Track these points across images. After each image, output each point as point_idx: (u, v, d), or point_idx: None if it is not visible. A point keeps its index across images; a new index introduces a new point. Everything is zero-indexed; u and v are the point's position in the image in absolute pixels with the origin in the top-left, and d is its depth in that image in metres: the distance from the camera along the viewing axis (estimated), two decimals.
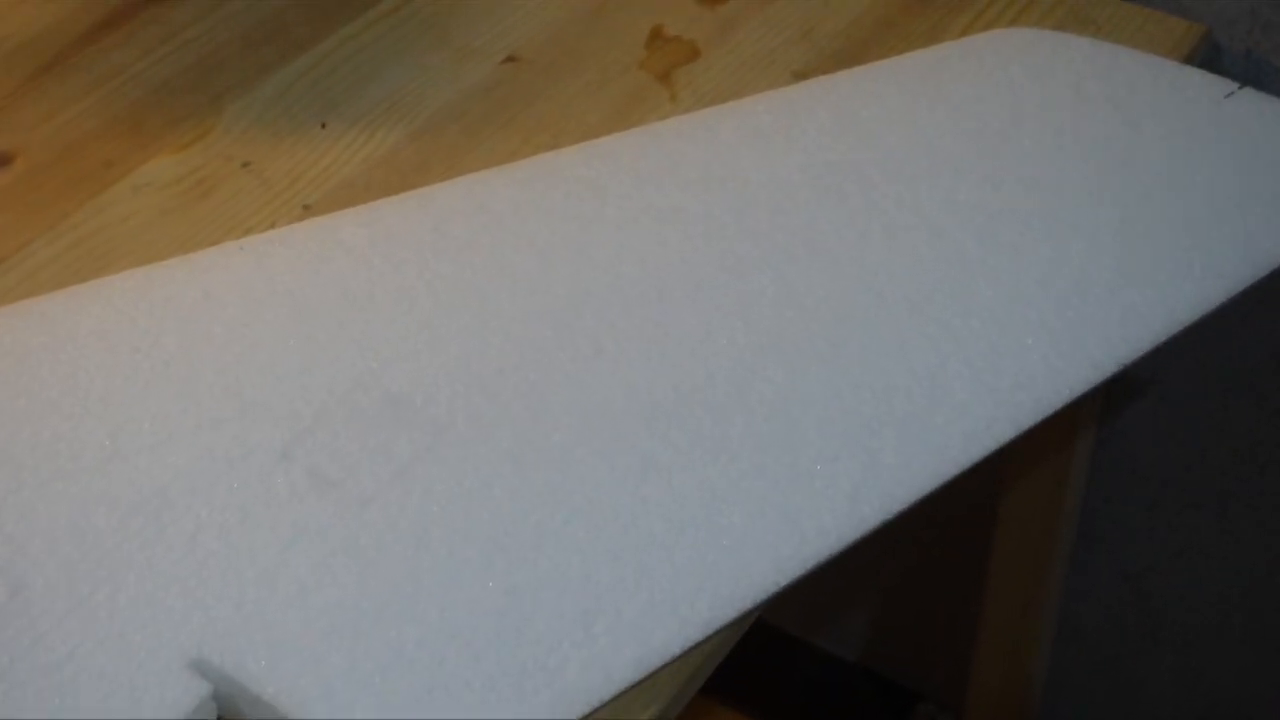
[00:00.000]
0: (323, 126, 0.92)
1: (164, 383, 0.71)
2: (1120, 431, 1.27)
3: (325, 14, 1.00)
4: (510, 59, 0.97)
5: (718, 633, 0.64)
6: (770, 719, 1.62)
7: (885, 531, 0.68)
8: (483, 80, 0.96)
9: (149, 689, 0.59)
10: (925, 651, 1.60)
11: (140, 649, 0.60)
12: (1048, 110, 0.89)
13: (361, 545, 0.64)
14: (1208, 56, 1.01)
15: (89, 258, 0.84)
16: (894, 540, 0.68)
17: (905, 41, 0.97)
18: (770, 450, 0.69)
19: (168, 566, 0.63)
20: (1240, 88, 0.90)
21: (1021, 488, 1.27)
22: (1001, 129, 0.88)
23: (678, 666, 0.64)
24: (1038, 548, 1.29)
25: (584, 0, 1.01)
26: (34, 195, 0.88)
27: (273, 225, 0.85)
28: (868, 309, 0.76)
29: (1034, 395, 0.74)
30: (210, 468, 0.67)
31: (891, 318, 0.76)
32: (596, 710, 0.61)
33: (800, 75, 0.95)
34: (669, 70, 0.96)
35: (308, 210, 0.86)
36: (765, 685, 1.59)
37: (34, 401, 0.70)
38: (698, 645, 0.64)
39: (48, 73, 0.96)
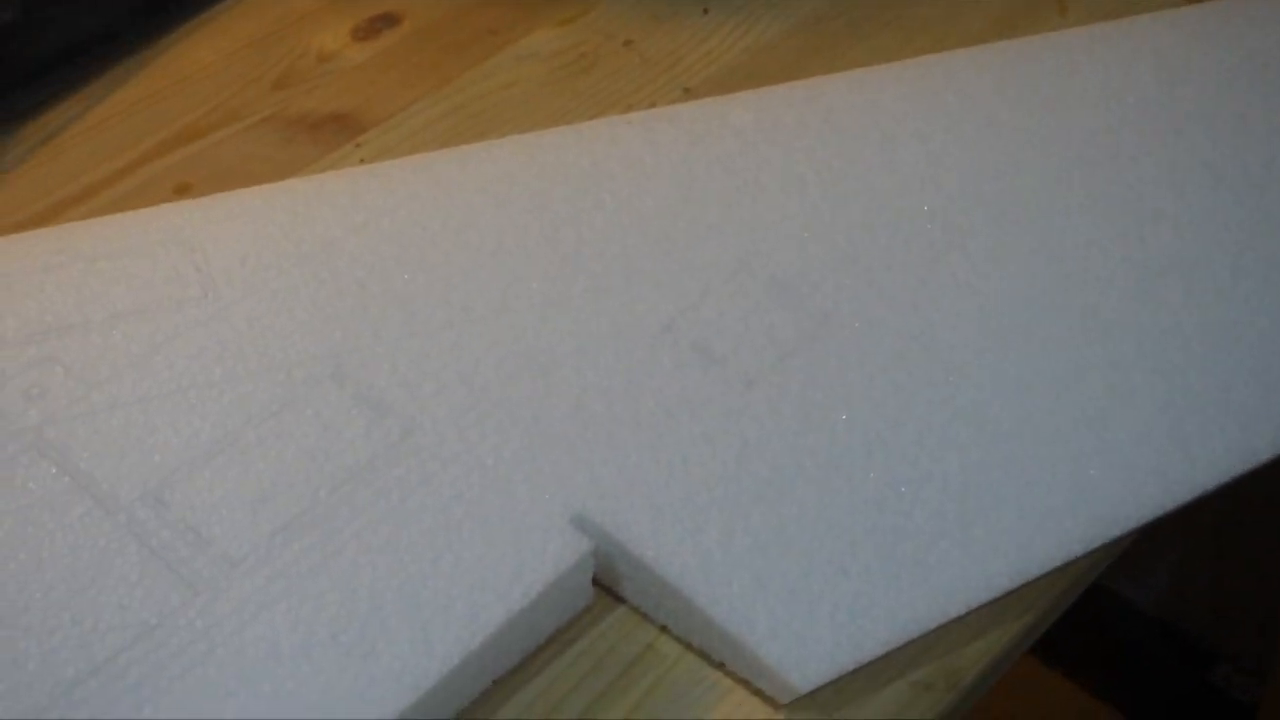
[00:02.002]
0: (704, 12, 0.92)
1: (553, 246, 0.71)
2: None
3: None
4: None
5: (1097, 550, 0.63)
6: (1055, 661, 1.59)
7: None
8: None
9: (531, 539, 0.60)
10: (1228, 612, 1.56)
11: (524, 500, 0.61)
12: None
13: (745, 424, 0.64)
14: None
15: (471, 121, 0.85)
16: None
17: None
18: (1164, 371, 0.67)
19: (553, 424, 0.64)
20: None
21: None
22: None
23: (1054, 579, 0.62)
24: None
25: None
26: (419, 57, 0.90)
27: (652, 104, 0.85)
28: (1265, 233, 0.73)
29: None
30: (596, 332, 0.67)
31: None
32: (972, 612, 0.60)
33: None
34: None
35: (687, 93, 0.86)
36: (1053, 626, 1.56)
37: (427, 252, 0.71)
38: (1076, 561, 0.62)
39: None
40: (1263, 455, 0.65)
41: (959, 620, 0.60)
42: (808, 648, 0.58)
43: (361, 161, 0.81)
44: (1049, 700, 1.58)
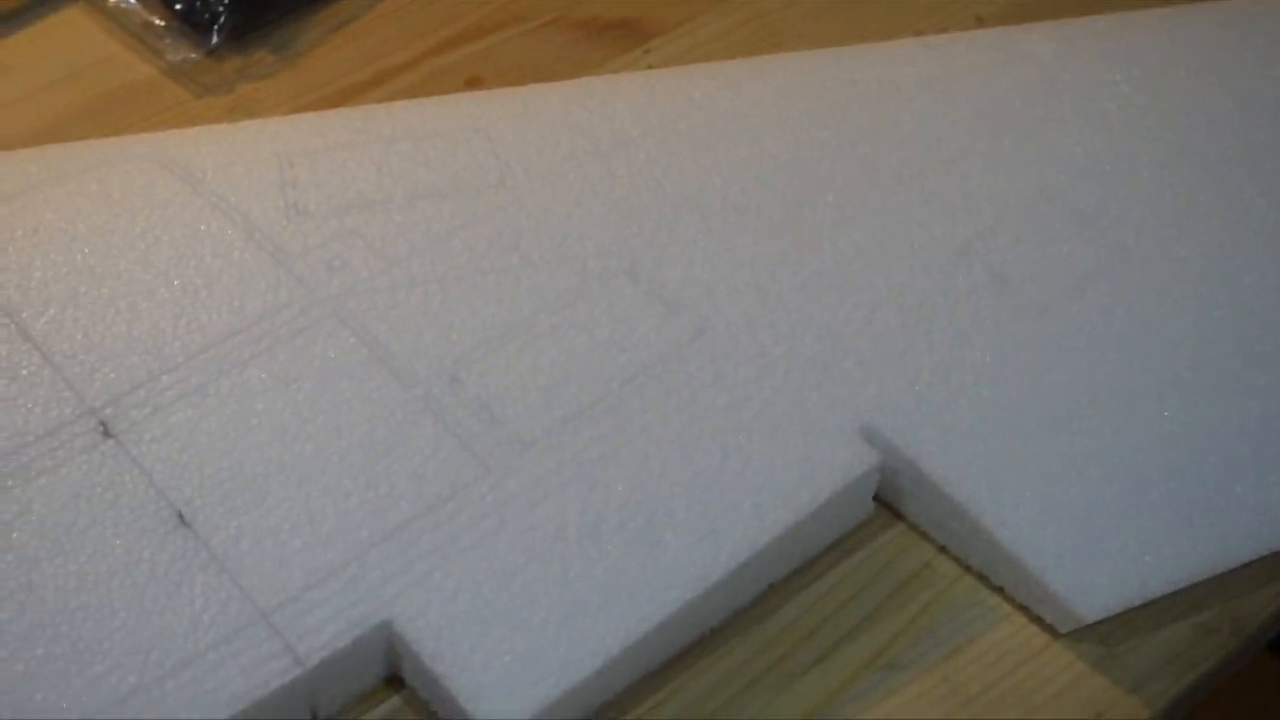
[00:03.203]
0: None
1: (848, 160, 0.71)
2: None
3: None
4: None
5: None
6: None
7: None
8: None
9: (820, 447, 0.60)
10: None
11: (814, 408, 0.61)
12: None
13: (1038, 351, 0.63)
14: None
15: (757, 36, 0.84)
16: None
17: None
18: None
19: (845, 335, 0.63)
20: None
21: None
22: None
23: None
24: None
25: None
26: None
27: (943, 30, 0.84)
28: None
29: None
30: (891, 249, 0.67)
31: None
32: (1262, 559, 0.59)
33: None
34: None
35: (980, 22, 0.84)
36: None
37: (723, 158, 0.71)
38: None
39: None
40: None
41: (1247, 566, 0.59)
42: (1093, 579, 0.57)
43: (649, 68, 0.81)
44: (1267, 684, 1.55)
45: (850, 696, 0.57)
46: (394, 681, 0.57)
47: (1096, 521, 0.58)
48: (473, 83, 0.81)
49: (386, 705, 0.57)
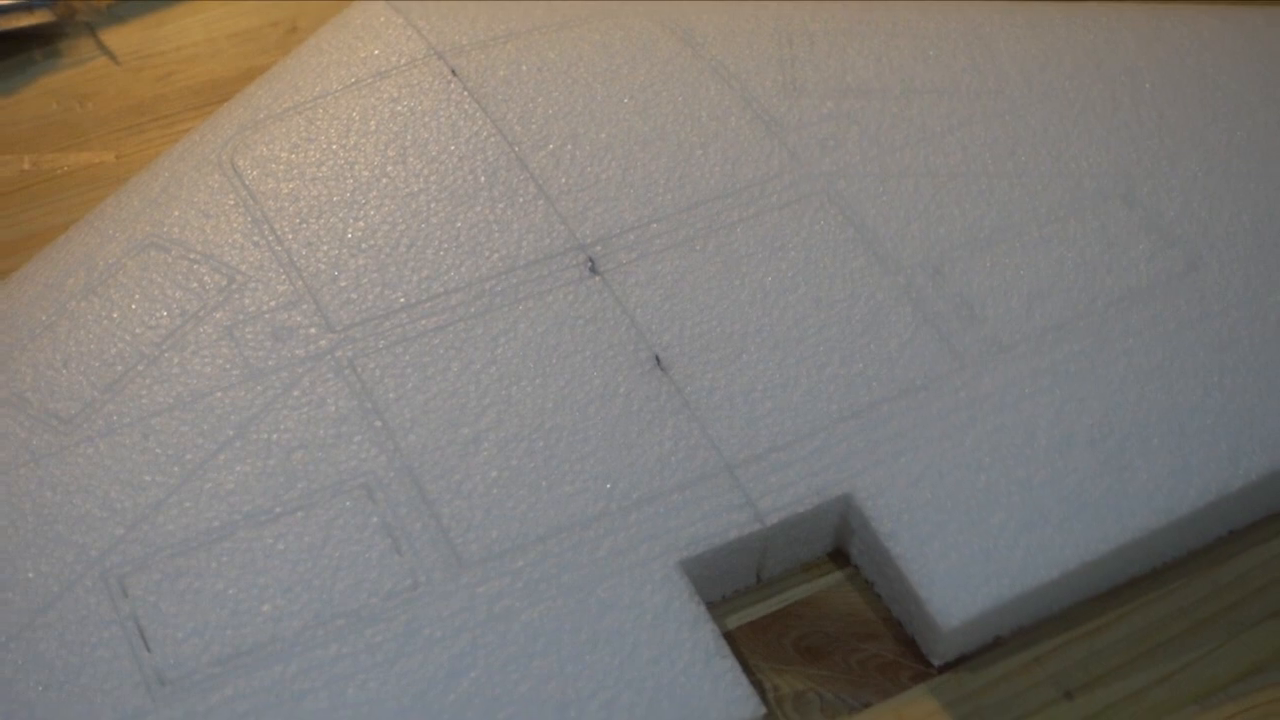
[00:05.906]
0: None
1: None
2: None
3: None
4: None
5: None
6: None
7: None
8: None
9: None
10: None
11: None
12: None
13: None
14: None
15: None
16: None
17: None
18: None
19: None
20: None
21: None
22: None
23: None
24: None
25: None
26: None
27: None
28: None
29: None
30: None
31: None
32: None
33: None
34: None
35: None
36: None
37: (1223, 96, 0.69)
38: None
39: None
40: None
41: None
42: None
43: None
44: None
45: None
46: (836, 556, 0.58)
47: None
48: None
49: (828, 579, 0.58)
